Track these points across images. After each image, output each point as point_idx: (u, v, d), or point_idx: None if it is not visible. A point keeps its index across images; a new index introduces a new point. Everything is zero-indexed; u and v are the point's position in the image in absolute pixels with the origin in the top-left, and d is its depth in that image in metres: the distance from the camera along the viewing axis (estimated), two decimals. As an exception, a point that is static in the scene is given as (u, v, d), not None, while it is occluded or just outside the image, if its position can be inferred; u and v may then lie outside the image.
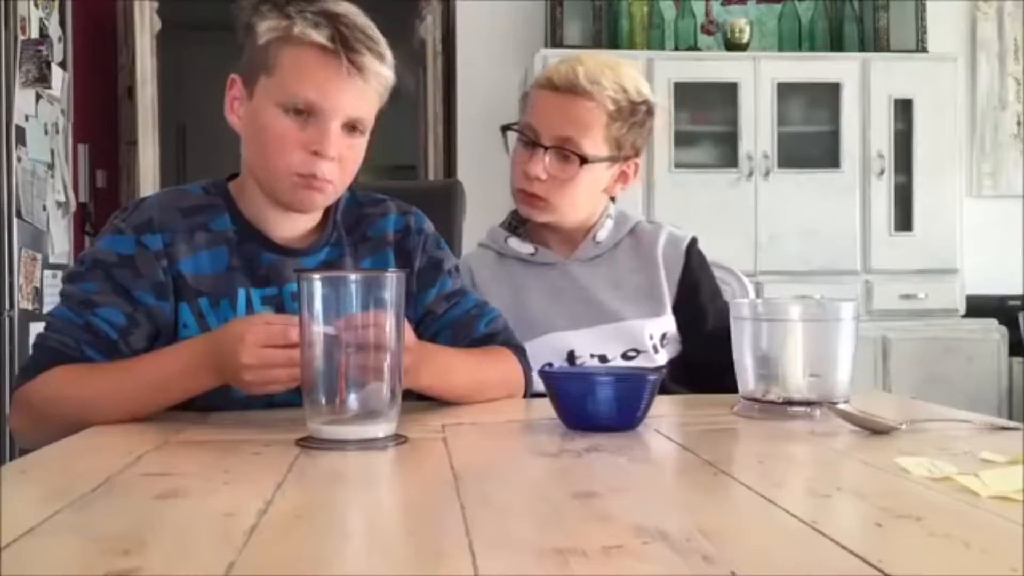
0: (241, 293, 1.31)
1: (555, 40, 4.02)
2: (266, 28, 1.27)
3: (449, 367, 1.28)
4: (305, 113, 1.26)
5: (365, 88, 1.27)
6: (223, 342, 1.13)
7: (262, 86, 1.28)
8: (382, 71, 1.29)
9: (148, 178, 4.24)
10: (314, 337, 1.00)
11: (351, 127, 1.29)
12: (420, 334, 1.38)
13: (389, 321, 1.01)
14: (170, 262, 1.29)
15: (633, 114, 1.66)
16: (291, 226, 1.36)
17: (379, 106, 1.33)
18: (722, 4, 4.31)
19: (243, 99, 1.32)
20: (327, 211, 1.41)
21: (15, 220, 3.04)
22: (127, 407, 1.17)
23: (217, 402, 1.25)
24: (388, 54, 1.30)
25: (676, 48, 4.14)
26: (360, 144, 1.32)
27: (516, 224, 1.75)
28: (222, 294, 1.30)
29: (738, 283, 1.89)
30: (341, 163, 1.29)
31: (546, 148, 1.62)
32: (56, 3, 3.41)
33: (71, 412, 1.17)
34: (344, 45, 1.24)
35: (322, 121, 1.25)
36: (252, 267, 1.32)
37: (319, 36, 1.24)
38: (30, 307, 3.13)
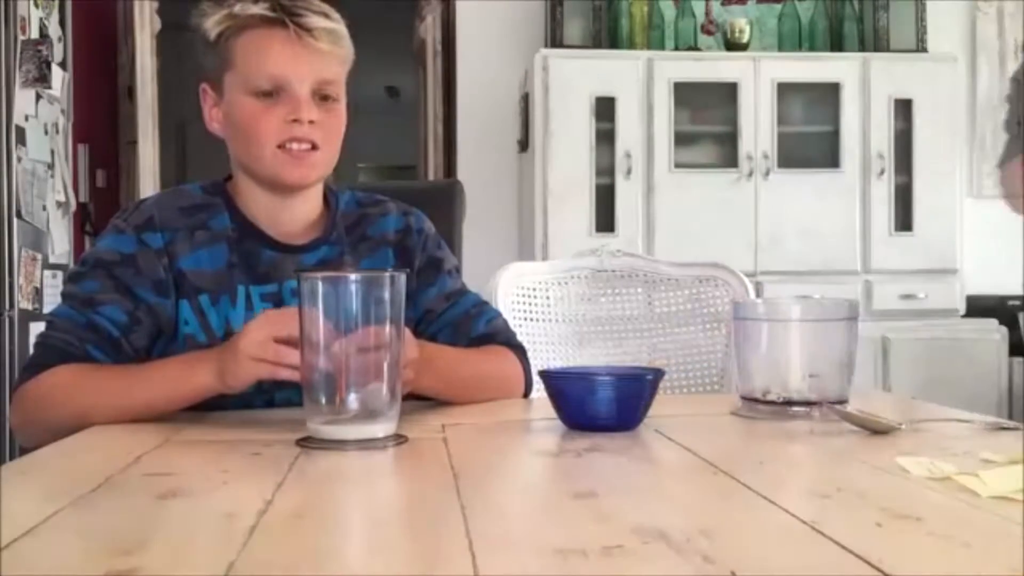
0: (241, 290, 1.31)
1: (555, 40, 4.02)
2: (213, 23, 1.31)
3: (449, 367, 1.28)
4: (274, 93, 1.28)
5: (321, 48, 1.29)
6: (226, 343, 1.15)
7: (228, 83, 1.31)
8: (332, 26, 1.31)
9: (148, 178, 4.24)
10: (314, 337, 1.00)
11: (323, 96, 1.30)
12: (419, 333, 1.38)
13: (388, 321, 1.01)
14: (170, 260, 1.30)
15: None
16: (290, 221, 1.36)
17: (345, 67, 1.34)
18: (722, 4, 4.31)
19: (217, 103, 1.35)
20: (326, 209, 1.41)
21: (15, 220, 3.04)
22: (127, 409, 1.18)
23: (217, 401, 1.26)
24: (334, 13, 1.32)
25: (676, 48, 4.14)
26: (338, 110, 1.33)
27: None
28: (222, 291, 1.30)
29: (738, 283, 1.89)
30: (323, 129, 1.30)
31: None
32: (56, 3, 3.41)
33: (72, 410, 1.17)
34: (286, 12, 1.28)
35: (291, 93, 1.28)
36: (252, 264, 1.33)
37: (259, 8, 1.28)
38: (30, 307, 3.13)
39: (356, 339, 1.00)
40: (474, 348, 1.37)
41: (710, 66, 4.00)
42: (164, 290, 1.29)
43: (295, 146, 1.29)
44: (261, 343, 1.09)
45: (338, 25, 1.32)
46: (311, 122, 1.28)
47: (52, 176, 3.39)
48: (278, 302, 1.31)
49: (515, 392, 1.38)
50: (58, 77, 3.37)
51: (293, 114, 1.28)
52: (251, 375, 1.11)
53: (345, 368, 1.00)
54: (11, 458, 2.83)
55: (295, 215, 1.37)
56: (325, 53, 1.30)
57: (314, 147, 1.30)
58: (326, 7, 1.32)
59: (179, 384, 1.18)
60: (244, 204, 1.36)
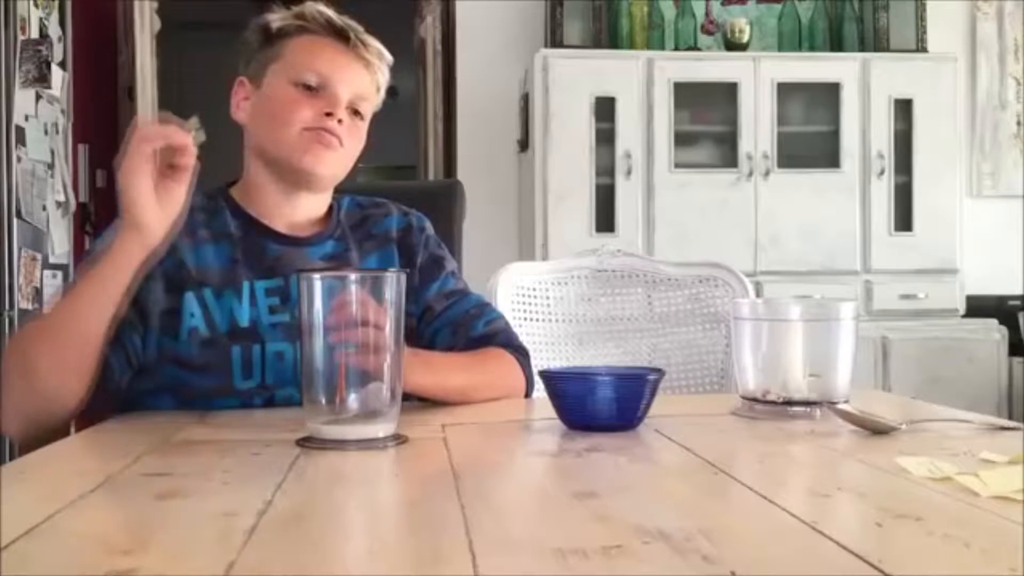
0: (246, 286, 1.31)
1: (555, 40, 4.02)
2: (278, 17, 1.37)
3: (441, 367, 1.29)
4: (316, 89, 1.34)
5: (371, 63, 1.38)
6: None
7: (272, 72, 1.36)
8: (384, 50, 1.39)
9: (148, 178, 4.23)
10: (314, 333, 1.00)
11: (355, 110, 1.36)
12: (420, 332, 1.39)
13: (389, 321, 1.01)
14: (170, 253, 1.29)
15: None
16: (296, 215, 1.38)
17: (378, 96, 1.41)
18: (722, 4, 4.31)
19: (249, 95, 1.39)
20: (329, 208, 1.43)
21: (15, 220, 3.04)
22: (63, 333, 1.15)
23: (218, 399, 1.26)
24: (387, 55, 1.41)
25: (676, 48, 4.14)
26: (362, 128, 1.39)
27: None
28: (226, 285, 1.31)
29: (738, 283, 1.89)
30: (348, 134, 1.35)
31: None
32: (56, 3, 3.41)
33: (20, 365, 1.15)
34: (351, 28, 1.37)
35: (332, 91, 1.34)
36: (257, 258, 1.34)
37: (329, 14, 1.36)
38: (30, 307, 3.13)
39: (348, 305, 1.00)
40: (473, 352, 1.37)
41: (710, 66, 4.00)
42: (167, 284, 1.28)
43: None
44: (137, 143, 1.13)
45: (387, 66, 1.41)
46: (340, 121, 1.33)
47: (52, 176, 3.39)
48: (284, 296, 1.32)
49: (513, 394, 1.38)
50: (58, 77, 3.37)
51: (329, 107, 1.33)
52: (139, 178, 1.12)
53: (345, 368, 1.00)
54: (11, 458, 2.83)
55: (302, 210, 1.39)
56: (372, 70, 1.38)
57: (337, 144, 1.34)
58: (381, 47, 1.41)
59: (102, 269, 1.15)
60: (251, 200, 1.38)
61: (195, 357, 1.27)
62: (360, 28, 1.38)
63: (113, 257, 1.16)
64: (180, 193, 1.17)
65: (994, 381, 3.92)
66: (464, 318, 1.41)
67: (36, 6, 3.22)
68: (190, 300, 1.29)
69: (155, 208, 1.14)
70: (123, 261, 1.15)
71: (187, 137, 1.16)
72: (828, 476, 0.93)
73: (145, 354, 1.27)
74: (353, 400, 1.00)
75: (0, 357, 1.17)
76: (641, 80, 3.91)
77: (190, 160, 1.16)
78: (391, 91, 1.44)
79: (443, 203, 1.76)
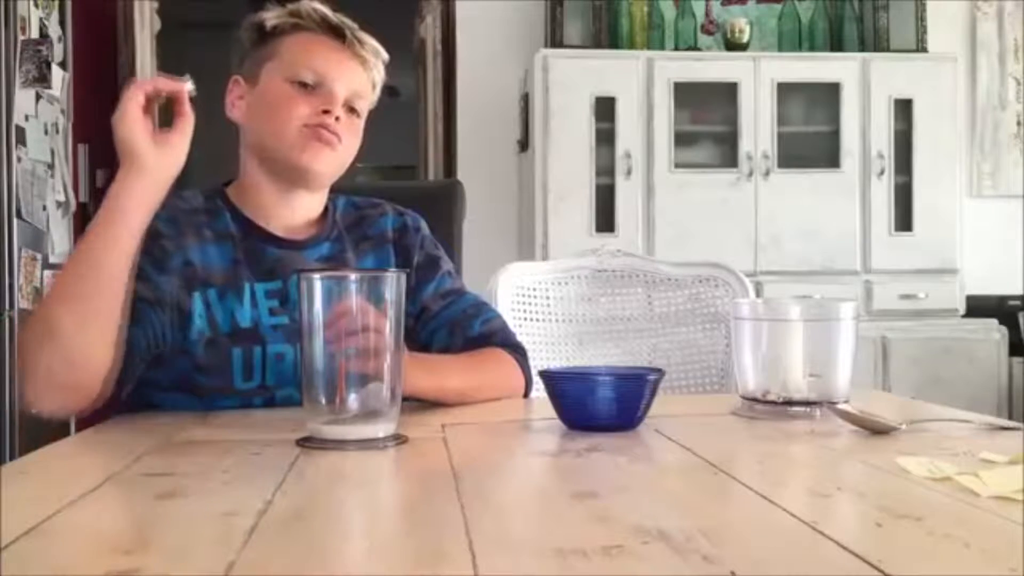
0: (247, 287, 1.31)
1: (555, 40, 4.02)
2: (273, 15, 1.37)
3: (439, 369, 1.28)
4: (312, 87, 1.33)
5: (367, 61, 1.37)
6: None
7: (267, 71, 1.35)
8: (380, 47, 1.39)
9: (148, 178, 4.23)
10: (314, 334, 1.00)
11: (351, 108, 1.36)
12: (417, 332, 1.39)
13: (389, 321, 1.01)
14: (178, 250, 1.29)
15: None
16: (292, 216, 1.38)
17: (375, 93, 1.41)
18: (722, 4, 4.31)
19: (244, 95, 1.38)
20: (325, 209, 1.43)
21: (15, 220, 3.04)
22: (92, 266, 1.14)
23: (219, 398, 1.26)
24: (383, 52, 1.40)
25: (676, 48, 4.14)
26: (359, 126, 1.39)
27: None
28: (229, 286, 1.31)
29: (738, 283, 1.89)
30: (345, 132, 1.35)
31: None
32: (56, 3, 3.41)
33: (41, 327, 1.14)
34: (347, 26, 1.36)
35: (329, 89, 1.34)
36: (256, 261, 1.34)
37: (324, 11, 1.35)
38: (30, 307, 3.13)
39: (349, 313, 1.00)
40: (471, 352, 1.37)
41: (710, 66, 4.00)
42: (170, 272, 1.28)
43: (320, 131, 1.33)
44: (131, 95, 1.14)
45: (383, 64, 1.41)
46: (338, 119, 1.33)
47: (52, 176, 3.39)
48: (284, 298, 1.32)
49: (513, 394, 1.38)
50: (58, 77, 3.37)
51: (326, 105, 1.32)
52: (135, 121, 1.13)
53: (345, 368, 1.00)
54: (11, 458, 2.83)
55: (299, 210, 1.39)
56: (368, 67, 1.38)
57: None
58: (377, 44, 1.41)
59: (109, 215, 1.15)
60: (247, 202, 1.38)
61: (200, 357, 1.27)
62: (355, 26, 1.38)
63: (119, 201, 1.15)
64: (179, 143, 1.17)
65: (994, 381, 3.92)
66: (461, 318, 1.41)
67: (36, 6, 3.22)
68: (196, 300, 1.29)
69: (153, 149, 1.15)
70: (130, 203, 1.14)
71: (179, 84, 1.17)
72: (828, 476, 0.93)
73: (164, 342, 1.27)
74: (353, 400, 1.00)
75: (10, 346, 1.15)
76: (641, 80, 3.91)
77: (185, 109, 1.17)
78: (391, 91, 1.45)
79: (443, 203, 1.76)
